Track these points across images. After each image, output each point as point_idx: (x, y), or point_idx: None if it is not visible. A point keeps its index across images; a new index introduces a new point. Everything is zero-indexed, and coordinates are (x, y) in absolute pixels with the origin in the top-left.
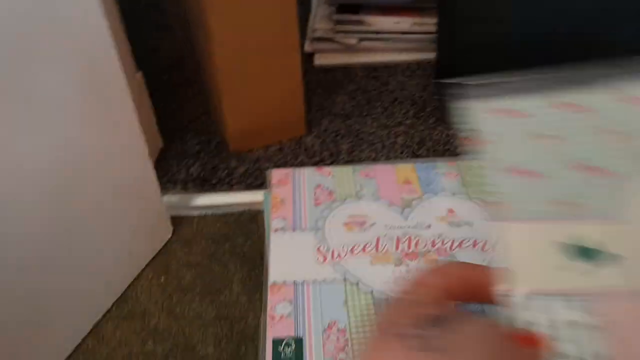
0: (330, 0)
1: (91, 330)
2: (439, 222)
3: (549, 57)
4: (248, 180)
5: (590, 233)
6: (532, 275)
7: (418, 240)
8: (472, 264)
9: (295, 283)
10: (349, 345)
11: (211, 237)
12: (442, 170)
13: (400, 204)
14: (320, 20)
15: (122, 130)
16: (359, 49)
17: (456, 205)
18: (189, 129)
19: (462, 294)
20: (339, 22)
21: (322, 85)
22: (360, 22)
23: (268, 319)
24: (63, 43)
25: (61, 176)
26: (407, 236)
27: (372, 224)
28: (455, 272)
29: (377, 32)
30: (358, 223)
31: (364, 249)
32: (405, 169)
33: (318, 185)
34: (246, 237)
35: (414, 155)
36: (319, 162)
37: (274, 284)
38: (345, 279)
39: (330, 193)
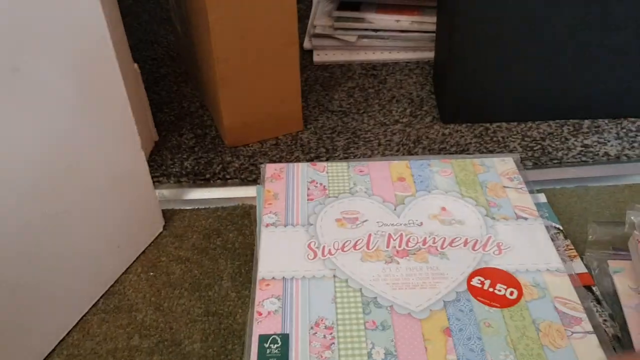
0: None
1: (77, 324)
2: (431, 220)
3: (549, 55)
4: (242, 175)
5: None
6: None
7: (410, 238)
8: None
9: (284, 279)
10: (336, 343)
11: (203, 232)
12: (437, 168)
13: (393, 201)
14: (320, 17)
15: (115, 121)
16: (358, 47)
17: (449, 203)
18: (184, 123)
19: None
20: (338, 19)
21: (320, 82)
22: (360, 20)
23: (255, 314)
24: (57, 32)
25: (51, 166)
26: (399, 233)
27: (365, 221)
28: None
29: (377, 30)
30: (350, 219)
31: (354, 246)
32: (400, 166)
33: (312, 181)
34: (238, 232)
35: (410, 153)
36: (314, 158)
37: (263, 279)
38: (334, 276)
39: (324, 188)
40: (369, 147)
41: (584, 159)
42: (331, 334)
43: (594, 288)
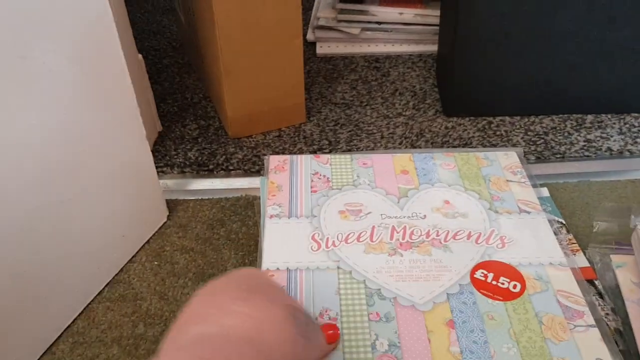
0: None
1: (82, 312)
2: (434, 213)
3: (552, 49)
4: (246, 166)
5: None
6: None
7: (413, 231)
8: None
9: (288, 270)
10: (340, 334)
11: (206, 222)
12: (440, 161)
13: (396, 194)
14: (323, 9)
15: (120, 111)
16: (362, 39)
17: (452, 196)
18: (188, 114)
19: None
20: (342, 11)
21: (323, 74)
22: (363, 12)
23: None
24: (63, 20)
25: (56, 155)
26: (403, 226)
27: (368, 213)
28: None
29: (380, 23)
30: (354, 211)
31: (358, 238)
32: (403, 159)
33: (315, 173)
34: (242, 222)
35: (413, 146)
36: (317, 150)
37: (267, 270)
38: (338, 267)
39: (327, 181)
40: (371, 140)
41: (586, 153)
42: (335, 324)
43: (596, 282)
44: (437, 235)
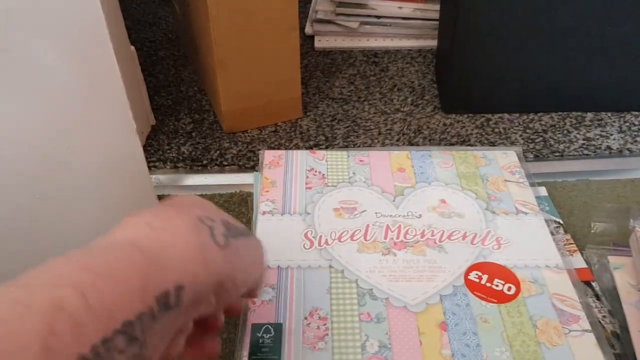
0: None
1: None
2: (430, 212)
3: (553, 47)
4: (240, 161)
5: None
6: None
7: (408, 230)
8: None
9: (279, 268)
10: (329, 334)
11: None
12: (437, 160)
13: (392, 192)
14: (322, 2)
15: (109, 104)
16: (360, 33)
17: (449, 195)
18: (182, 107)
19: None
20: (340, 5)
21: (320, 69)
22: (362, 6)
23: (249, 303)
24: (49, 12)
25: (42, 150)
26: (397, 225)
27: (363, 211)
28: None
29: (379, 17)
30: (348, 209)
31: (352, 237)
32: (400, 157)
33: (311, 169)
34: (235, 219)
35: (410, 143)
36: (313, 146)
37: None
38: (330, 266)
39: (323, 177)
40: (368, 136)
41: (586, 152)
42: (325, 324)
43: (593, 284)
44: (432, 235)
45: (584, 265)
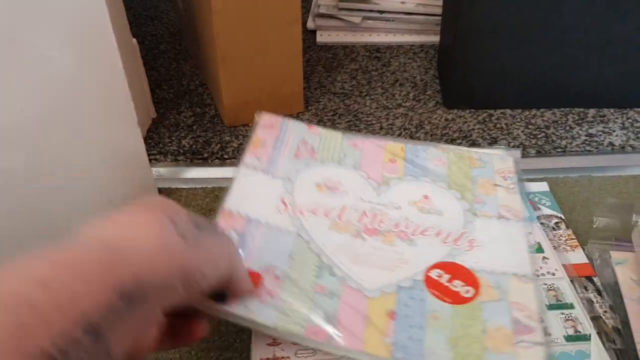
0: None
1: None
2: (410, 206)
3: (556, 42)
4: (241, 155)
5: None
6: None
7: (383, 219)
8: None
9: (248, 218)
10: (279, 294)
11: (199, 212)
12: (431, 156)
13: (378, 180)
14: None
15: (111, 96)
16: (363, 28)
17: (432, 192)
18: (183, 101)
19: None
20: None
21: (322, 63)
22: (365, 0)
23: None
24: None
25: (45, 141)
26: (374, 212)
27: (344, 192)
28: None
29: (382, 12)
30: (330, 187)
31: (326, 213)
32: (395, 148)
33: (303, 141)
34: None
35: (412, 138)
36: None
37: (228, 210)
38: (298, 234)
39: (313, 151)
40: (370, 131)
41: (588, 148)
42: (278, 283)
43: (594, 279)
44: (406, 228)
45: (586, 261)
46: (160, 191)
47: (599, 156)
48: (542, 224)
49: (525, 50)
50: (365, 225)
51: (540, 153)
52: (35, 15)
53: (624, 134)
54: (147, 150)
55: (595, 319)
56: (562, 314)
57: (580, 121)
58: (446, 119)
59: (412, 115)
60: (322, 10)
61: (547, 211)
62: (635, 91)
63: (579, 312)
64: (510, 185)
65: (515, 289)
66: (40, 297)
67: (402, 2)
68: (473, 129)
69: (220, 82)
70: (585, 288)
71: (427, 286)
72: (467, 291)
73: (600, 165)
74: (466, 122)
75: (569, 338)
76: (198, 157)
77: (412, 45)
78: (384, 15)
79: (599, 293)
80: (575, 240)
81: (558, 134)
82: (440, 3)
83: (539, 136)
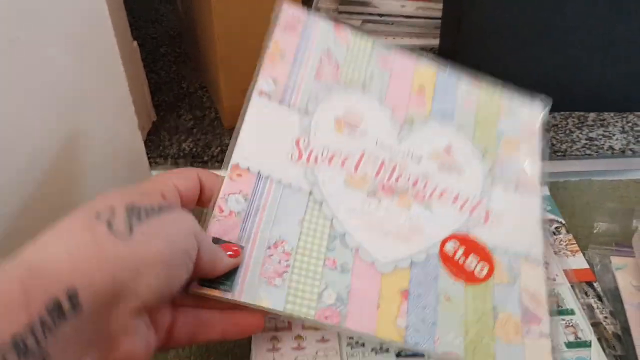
0: None
1: None
2: (431, 160)
3: (556, 46)
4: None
5: None
6: None
7: (402, 174)
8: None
9: (258, 175)
10: (289, 272)
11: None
12: (462, 91)
13: (402, 119)
14: (324, 0)
15: (112, 98)
16: (363, 32)
17: (457, 144)
18: (184, 104)
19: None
20: (343, 2)
21: None
22: (365, 3)
23: (216, 209)
24: (53, 4)
25: (47, 143)
26: (393, 164)
27: (364, 132)
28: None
29: (382, 15)
30: (350, 125)
31: (343, 162)
32: (426, 74)
33: (328, 52)
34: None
35: None
36: None
37: (237, 165)
38: (311, 193)
39: (337, 69)
40: None
41: (588, 152)
42: (287, 261)
43: (595, 284)
44: (424, 188)
45: (586, 266)
46: None
47: (600, 160)
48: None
49: (527, 52)
50: (382, 182)
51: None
52: (36, 17)
53: (624, 137)
54: (148, 154)
55: (596, 324)
56: (563, 320)
57: (580, 125)
58: None
59: None
60: (322, 13)
61: (548, 216)
62: (636, 95)
63: (580, 319)
64: (532, 148)
65: (526, 273)
66: None
67: (402, 6)
68: None
69: (220, 85)
70: (586, 293)
71: (442, 261)
72: (482, 268)
73: (601, 169)
74: None
75: (569, 345)
76: (198, 160)
77: (412, 48)
78: (383, 18)
79: (600, 299)
80: (576, 245)
81: (558, 137)
82: (441, 6)
83: None
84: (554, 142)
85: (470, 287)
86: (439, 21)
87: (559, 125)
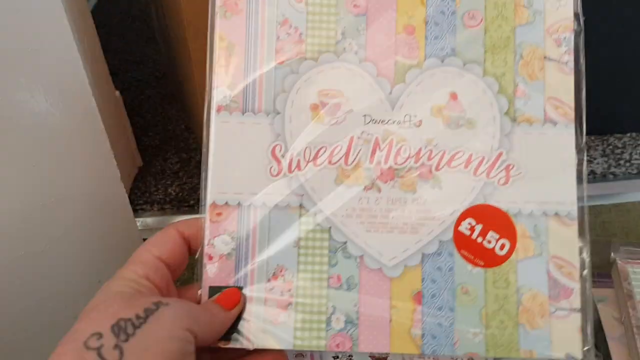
0: None
1: None
2: (433, 117)
3: None
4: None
5: None
6: None
7: (401, 148)
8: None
9: (240, 206)
10: (293, 304)
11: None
12: (464, 10)
13: (391, 76)
14: None
15: (92, 153)
16: None
17: (463, 86)
18: (169, 147)
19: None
20: None
21: None
22: None
23: (205, 259)
24: (32, 63)
25: (28, 204)
26: (389, 139)
27: (349, 111)
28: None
29: None
30: (330, 108)
31: (330, 158)
32: (412, 4)
33: (284, 21)
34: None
35: None
36: None
37: (214, 204)
38: (301, 206)
39: (300, 39)
40: None
41: None
42: (289, 291)
43: None
44: (429, 159)
45: None
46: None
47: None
48: None
49: None
50: (380, 166)
51: None
52: (17, 74)
53: (605, 161)
54: (134, 200)
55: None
56: None
57: None
58: None
59: None
60: None
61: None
62: (615, 117)
63: None
64: (564, 57)
65: (556, 235)
66: None
67: None
68: None
69: None
70: None
71: (456, 247)
72: (503, 246)
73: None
74: None
75: None
76: (185, 205)
77: None
78: None
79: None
80: None
81: None
82: None
83: None
84: None
85: (491, 272)
86: None
87: None
